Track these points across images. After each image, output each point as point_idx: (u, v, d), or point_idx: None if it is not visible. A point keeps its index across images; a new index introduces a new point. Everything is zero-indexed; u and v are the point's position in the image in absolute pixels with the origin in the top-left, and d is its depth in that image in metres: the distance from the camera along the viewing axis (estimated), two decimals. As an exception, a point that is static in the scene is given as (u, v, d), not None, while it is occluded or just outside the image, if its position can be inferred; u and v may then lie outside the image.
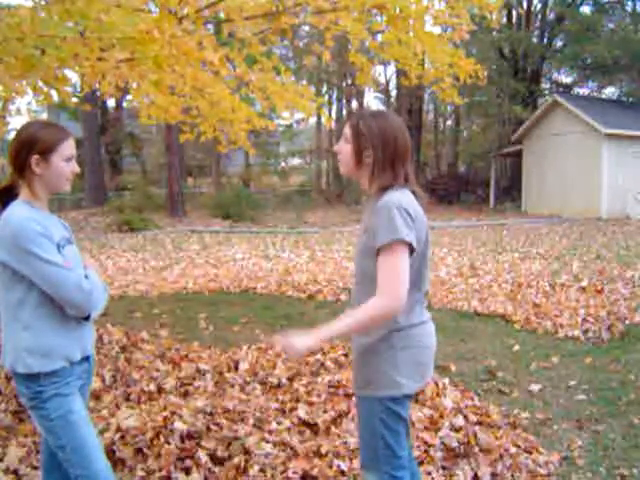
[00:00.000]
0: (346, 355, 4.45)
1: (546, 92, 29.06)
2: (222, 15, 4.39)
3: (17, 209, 1.98)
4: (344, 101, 33.14)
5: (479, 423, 3.35)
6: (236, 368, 4.27)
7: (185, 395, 3.79)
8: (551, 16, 28.37)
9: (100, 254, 12.49)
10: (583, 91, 31.29)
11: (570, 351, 5.05)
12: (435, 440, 3.02)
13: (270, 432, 3.14)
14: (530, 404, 3.90)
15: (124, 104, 27.38)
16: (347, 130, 2.04)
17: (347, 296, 7.23)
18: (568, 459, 3.14)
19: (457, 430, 3.16)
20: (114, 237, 16.98)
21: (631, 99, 27.08)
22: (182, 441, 3.01)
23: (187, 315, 6.61)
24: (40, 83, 3.80)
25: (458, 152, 32.27)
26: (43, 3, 3.63)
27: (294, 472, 2.78)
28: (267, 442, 3.01)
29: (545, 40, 28.36)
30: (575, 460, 3.12)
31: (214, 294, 7.86)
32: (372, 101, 39.31)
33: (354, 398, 3.35)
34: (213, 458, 2.92)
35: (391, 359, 1.97)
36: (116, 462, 2.87)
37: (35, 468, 2.85)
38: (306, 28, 21.83)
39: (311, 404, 3.53)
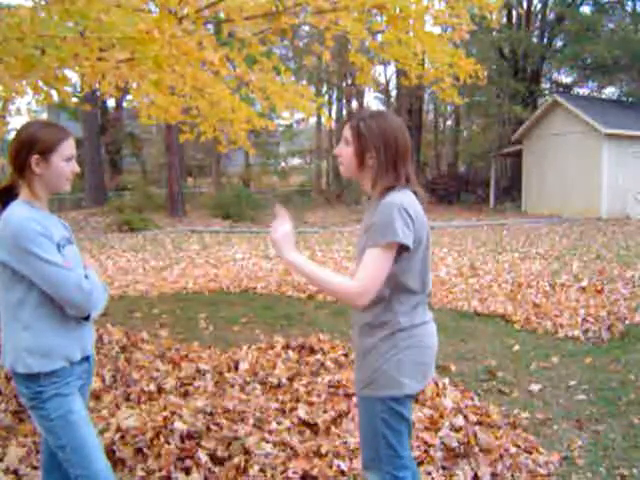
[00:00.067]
0: (346, 355, 4.45)
1: (546, 92, 29.06)
2: (222, 15, 4.39)
3: (17, 209, 1.98)
4: (344, 101, 33.14)
5: (479, 423, 3.35)
6: (236, 368, 4.27)
7: (185, 395, 3.79)
8: (551, 16, 28.37)
9: (100, 254, 12.49)
10: (583, 91, 31.30)
11: (570, 351, 5.05)
12: (435, 440, 3.02)
13: (270, 432, 3.14)
14: (530, 404, 3.90)
15: (124, 104, 27.36)
16: (347, 132, 2.03)
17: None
18: (568, 459, 3.14)
19: (457, 430, 3.16)
20: (114, 237, 16.98)
21: (631, 99, 27.08)
22: (182, 441, 3.01)
23: (187, 315, 6.61)
24: (40, 83, 3.80)
25: (458, 152, 32.26)
26: (43, 3, 3.62)
27: (294, 472, 2.78)
28: (267, 442, 3.01)
29: (545, 40, 28.35)
30: (575, 460, 3.12)
31: (214, 294, 7.86)
32: (372, 101, 39.35)
33: (354, 398, 3.36)
34: (213, 458, 2.92)
35: (393, 359, 1.97)
36: (116, 462, 2.87)
37: (35, 468, 2.85)
38: (306, 28, 21.84)
39: (311, 404, 3.53)
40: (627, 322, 5.78)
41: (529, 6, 27.70)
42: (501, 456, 3.00)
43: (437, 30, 26.38)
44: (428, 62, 5.46)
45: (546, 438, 3.39)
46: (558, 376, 4.43)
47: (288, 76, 5.26)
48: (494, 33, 23.87)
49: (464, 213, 22.97)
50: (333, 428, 3.21)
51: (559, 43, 29.73)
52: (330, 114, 28.93)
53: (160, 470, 2.82)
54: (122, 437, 3.05)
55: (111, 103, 30.11)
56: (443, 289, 7.54)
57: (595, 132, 20.27)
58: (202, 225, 19.86)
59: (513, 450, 3.08)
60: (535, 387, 4.19)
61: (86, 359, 2.15)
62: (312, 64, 24.73)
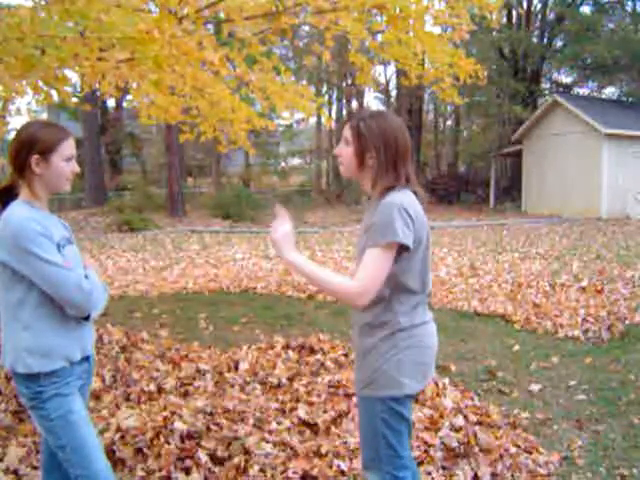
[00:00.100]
0: (346, 355, 4.45)
1: (546, 92, 29.06)
2: (222, 15, 4.39)
3: (17, 209, 1.98)
4: (344, 101, 33.14)
5: (479, 423, 3.35)
6: (236, 368, 4.27)
7: (185, 395, 3.79)
8: (551, 16, 28.37)
9: (100, 254, 12.49)
10: (583, 91, 31.29)
11: (570, 351, 5.05)
12: (435, 440, 3.02)
13: (270, 432, 3.14)
14: (530, 404, 3.90)
15: (124, 104, 27.36)
16: (347, 132, 2.03)
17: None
18: (568, 459, 3.14)
19: (457, 430, 3.16)
20: (114, 237, 16.98)
21: (631, 99, 27.08)
22: (182, 441, 3.01)
23: (187, 315, 6.61)
24: (40, 83, 3.80)
25: (458, 152, 32.26)
26: (43, 3, 3.62)
27: (294, 472, 2.78)
28: (267, 442, 3.01)
29: (545, 40, 28.35)
30: (575, 460, 3.12)
31: (214, 294, 7.86)
32: (372, 101, 39.35)
33: (354, 398, 3.36)
34: (213, 458, 2.92)
35: (393, 359, 1.97)
36: (116, 462, 2.87)
37: (35, 468, 2.85)
38: (306, 28, 21.84)
39: (311, 404, 3.53)
40: (627, 322, 5.78)
41: (529, 6, 27.70)
42: (501, 456, 3.00)
43: (437, 30, 26.39)
44: (428, 62, 5.46)
45: (546, 438, 3.39)
46: (558, 376, 4.43)
47: (288, 76, 5.26)
48: (494, 33, 23.87)
49: (464, 213, 22.97)
50: (333, 428, 3.21)
51: (559, 43, 29.73)
52: (330, 114, 28.93)
53: (160, 470, 2.82)
54: (122, 437, 3.05)
55: (111, 103, 30.16)
56: (443, 289, 7.54)
57: (595, 132, 20.27)
58: (202, 225, 19.86)
59: (513, 450, 3.08)
60: (535, 387, 4.20)
61: (86, 359, 2.15)
62: (312, 64, 24.73)
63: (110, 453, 2.87)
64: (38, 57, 3.14)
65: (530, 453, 3.12)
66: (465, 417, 3.34)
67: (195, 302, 7.31)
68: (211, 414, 3.31)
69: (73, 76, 5.73)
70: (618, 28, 26.39)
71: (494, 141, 26.47)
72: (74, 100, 5.53)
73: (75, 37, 3.14)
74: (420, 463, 2.84)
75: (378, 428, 2.00)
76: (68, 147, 2.05)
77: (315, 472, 2.78)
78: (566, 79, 32.29)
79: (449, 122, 37.19)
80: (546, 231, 15.92)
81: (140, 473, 2.82)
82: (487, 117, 28.00)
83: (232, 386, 3.92)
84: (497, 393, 4.12)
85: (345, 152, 2.04)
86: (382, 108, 21.92)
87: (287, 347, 4.72)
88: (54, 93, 3.92)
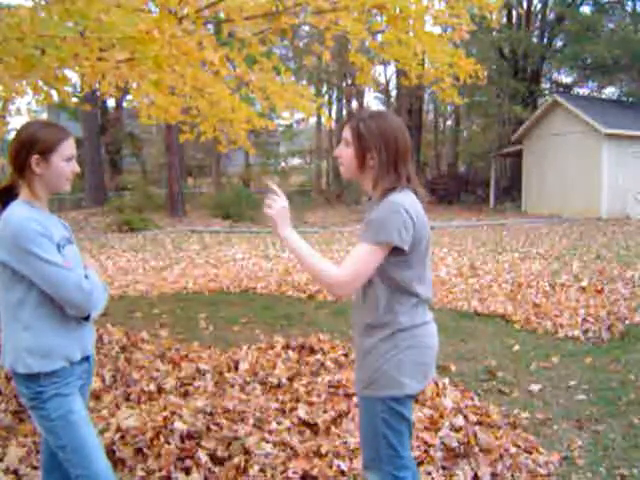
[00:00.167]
0: (346, 355, 4.45)
1: (546, 92, 29.06)
2: (222, 15, 4.39)
3: (17, 209, 1.98)
4: (344, 101, 33.15)
5: (479, 423, 3.35)
6: (236, 368, 4.27)
7: (185, 395, 3.79)
8: (551, 16, 28.37)
9: (100, 254, 12.49)
10: (583, 91, 31.29)
11: (570, 351, 5.05)
12: (435, 440, 3.02)
13: (270, 432, 3.14)
14: (530, 404, 3.90)
15: (124, 104, 27.35)
16: (347, 133, 2.03)
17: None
18: (568, 459, 3.14)
19: (457, 430, 3.16)
20: (114, 237, 16.98)
21: (631, 99, 27.08)
22: (182, 441, 3.01)
23: (187, 315, 6.61)
24: (40, 83, 3.80)
25: (458, 152, 32.27)
26: (43, 3, 3.63)
27: (294, 472, 2.78)
28: (267, 442, 3.01)
29: (545, 40, 28.36)
30: (575, 460, 3.12)
31: (214, 294, 7.86)
32: (372, 101, 39.35)
33: (354, 398, 3.36)
34: (213, 458, 2.92)
35: (394, 359, 1.97)
36: (116, 462, 2.87)
37: (35, 468, 2.85)
38: (306, 28, 21.85)
39: (311, 404, 3.53)
40: (627, 322, 5.78)
41: (529, 6, 27.70)
42: (501, 456, 3.00)
43: (437, 30, 26.41)
44: (428, 62, 5.46)
45: (546, 438, 3.38)
46: (558, 376, 4.43)
47: (288, 76, 5.26)
48: (494, 33, 23.87)
49: (464, 213, 22.98)
50: (333, 428, 3.21)
51: (559, 43, 29.73)
52: (330, 114, 28.94)
53: (160, 470, 2.82)
54: (122, 437, 3.05)
55: (111, 103, 30.16)
56: (443, 289, 7.54)
57: (595, 132, 20.27)
58: (202, 225, 19.86)
59: (513, 450, 3.08)
60: (535, 387, 4.19)
61: (86, 359, 2.15)
62: (312, 64, 24.72)
63: (110, 453, 2.87)
64: (38, 57, 3.14)
65: (530, 453, 3.12)
66: (465, 417, 3.34)
67: (195, 302, 7.31)
68: (211, 414, 3.31)
69: (73, 76, 5.74)
70: (618, 28, 26.39)
71: (494, 141, 26.47)
72: (74, 100, 5.53)
73: (75, 37, 3.14)
74: (420, 463, 2.84)
75: (379, 428, 2.00)
76: (68, 147, 2.05)
77: (315, 472, 2.78)
78: (566, 79, 32.34)
79: (449, 122, 37.21)
80: (546, 231, 15.92)
81: (140, 473, 2.82)
82: (487, 117, 28.01)
83: (232, 386, 3.92)
84: (497, 393, 4.12)
85: (345, 153, 2.04)
86: (382, 108, 21.92)
87: (287, 347, 4.72)
88: (54, 93, 3.92)
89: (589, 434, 3.43)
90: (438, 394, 3.62)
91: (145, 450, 2.96)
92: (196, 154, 33.55)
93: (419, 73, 5.10)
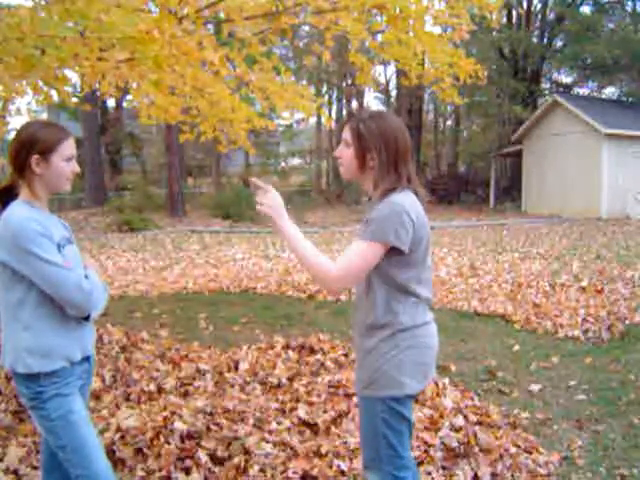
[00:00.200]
0: (346, 355, 4.45)
1: (546, 92, 29.06)
2: (222, 15, 4.39)
3: (17, 209, 1.98)
4: (344, 101, 33.14)
5: (479, 423, 3.35)
6: (236, 368, 4.27)
7: (185, 395, 3.79)
8: (551, 16, 28.38)
9: (100, 254, 12.49)
10: (583, 91, 31.30)
11: (570, 351, 5.05)
12: (435, 440, 3.02)
13: (270, 432, 3.14)
14: (530, 404, 3.90)
15: (124, 104, 27.34)
16: (347, 134, 2.02)
17: (347, 296, 7.23)
18: (568, 459, 3.14)
19: (457, 430, 3.16)
20: (114, 237, 16.98)
21: (631, 99, 27.08)
22: (182, 441, 3.01)
23: (187, 315, 6.61)
24: (40, 83, 3.80)
25: (458, 152, 32.27)
26: (43, 3, 3.62)
27: (294, 472, 2.78)
28: (267, 442, 3.01)
29: (545, 40, 28.36)
30: (575, 460, 3.12)
31: (214, 294, 7.86)
32: (372, 101, 39.34)
33: (354, 398, 3.36)
34: (213, 458, 2.92)
35: (394, 359, 1.97)
36: (116, 462, 2.87)
37: (35, 468, 2.85)
38: (306, 28, 21.86)
39: (311, 404, 3.53)
40: (627, 322, 5.78)
41: (529, 6, 27.70)
42: (501, 456, 3.00)
43: (437, 30, 26.40)
44: (428, 62, 5.46)
45: (546, 438, 3.38)
46: (558, 376, 4.43)
47: (288, 76, 5.26)
48: (494, 33, 23.87)
49: (464, 213, 22.97)
50: (333, 428, 3.21)
51: (559, 43, 29.74)
52: (330, 114, 28.93)
53: (160, 470, 2.82)
54: (122, 437, 3.05)
55: (111, 103, 30.14)
56: (443, 289, 7.54)
57: (595, 132, 20.27)
58: (202, 225, 19.87)
59: (513, 450, 3.08)
60: (535, 387, 4.19)
61: (86, 359, 2.15)
62: (312, 64, 24.71)
63: (110, 453, 2.87)
64: (38, 57, 3.14)
65: (530, 453, 3.12)
66: (465, 417, 3.34)
67: (195, 302, 7.31)
68: (211, 414, 3.31)
69: (73, 76, 5.74)
70: (618, 28, 26.39)
71: (494, 141, 26.47)
72: (74, 100, 5.53)
73: (75, 37, 3.14)
74: (420, 463, 2.84)
75: (379, 428, 2.00)
76: (68, 147, 2.05)
77: (315, 472, 2.78)
78: (566, 79, 32.34)
79: (449, 122, 37.20)
80: (546, 231, 15.92)
81: (140, 473, 2.82)
82: (487, 117, 28.01)
83: (232, 386, 3.92)
84: (497, 393, 4.12)
85: (345, 154, 2.04)
86: (381, 108, 21.93)
87: (287, 347, 4.72)
88: (54, 93, 3.92)
89: (589, 434, 3.43)
90: (438, 394, 3.62)
91: (145, 450, 2.96)
92: (196, 154, 33.55)
93: (419, 73, 5.10)
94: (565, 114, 21.60)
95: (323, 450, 2.95)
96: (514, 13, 28.12)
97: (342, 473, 2.80)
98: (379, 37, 5.24)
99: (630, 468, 3.03)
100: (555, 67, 30.62)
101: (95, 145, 25.60)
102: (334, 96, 33.55)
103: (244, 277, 8.87)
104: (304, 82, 24.92)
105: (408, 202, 1.93)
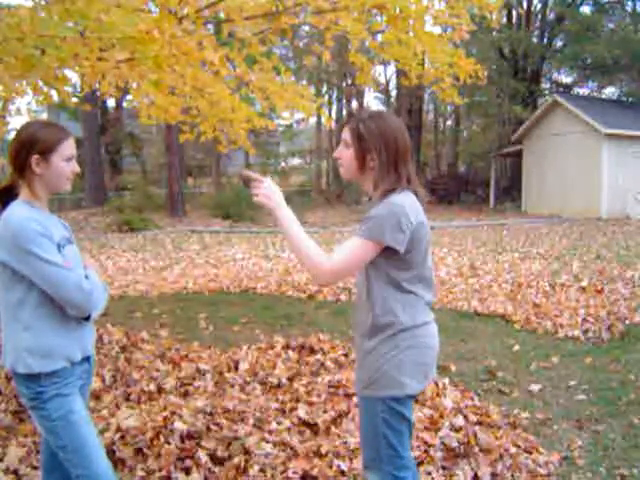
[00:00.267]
0: (346, 355, 4.45)
1: (546, 92, 29.06)
2: (222, 15, 4.39)
3: (17, 209, 1.98)
4: (344, 101, 33.15)
5: (479, 423, 3.35)
6: (236, 368, 4.27)
7: (185, 395, 3.79)
8: (551, 16, 28.38)
9: (100, 254, 12.49)
10: (583, 91, 31.30)
11: (570, 351, 5.05)
12: (435, 440, 3.02)
13: (270, 432, 3.14)
14: (530, 404, 3.90)
15: (124, 104, 27.35)
16: (347, 134, 2.02)
17: (347, 296, 7.23)
18: (568, 459, 3.14)
19: (457, 430, 3.16)
20: (114, 237, 16.98)
21: (631, 99, 27.08)
22: (182, 441, 3.01)
23: (187, 315, 6.61)
24: (40, 83, 3.80)
25: (458, 152, 32.27)
26: (43, 3, 3.62)
27: (294, 472, 2.78)
28: (267, 442, 3.01)
29: (545, 40, 28.36)
30: (575, 460, 3.12)
31: (214, 294, 7.86)
32: (372, 101, 39.35)
33: (354, 398, 3.36)
34: (213, 458, 2.92)
35: (394, 359, 1.97)
36: (116, 462, 2.87)
37: (35, 468, 2.85)
38: (306, 28, 21.84)
39: (311, 404, 3.53)
40: (627, 322, 5.78)
41: (529, 6, 27.70)
42: (501, 456, 3.00)
43: (437, 30, 26.39)
44: (428, 62, 5.46)
45: (546, 438, 3.38)
46: (558, 376, 4.43)
47: (288, 76, 5.26)
48: (494, 33, 23.87)
49: (464, 213, 22.98)
50: (333, 428, 3.21)
51: (559, 43, 29.74)
52: (330, 114, 28.94)
53: (160, 470, 2.82)
54: (122, 437, 3.05)
55: (111, 103, 30.16)
56: (443, 289, 7.54)
57: (595, 132, 20.28)
58: (202, 225, 19.87)
59: (513, 450, 3.08)
60: (535, 387, 4.19)
61: (86, 359, 2.15)
62: (312, 64, 24.72)
63: (110, 453, 2.87)
64: (38, 57, 3.14)
65: (530, 453, 3.12)
66: (465, 417, 3.34)
67: (195, 302, 7.31)
68: (211, 414, 3.31)
69: (73, 76, 5.73)
70: (618, 28, 26.40)
71: (494, 141, 26.48)
72: (74, 100, 5.53)
73: (75, 37, 3.14)
74: (420, 463, 2.84)
75: (379, 428, 2.00)
76: (68, 147, 2.05)
77: (315, 472, 2.78)
78: (566, 79, 32.35)
79: (449, 122, 37.21)
80: (546, 231, 15.93)
81: (140, 473, 2.82)
82: (487, 117, 28.02)
83: (232, 386, 3.92)
84: (497, 393, 4.12)
85: (345, 155, 2.04)
86: (381, 108, 21.93)
87: (287, 347, 4.72)
88: (54, 93, 3.93)
89: (589, 434, 3.43)
90: (438, 394, 3.62)
91: (145, 450, 2.96)
92: (196, 154, 33.56)
93: (419, 73, 5.10)
94: (565, 114, 21.60)
95: (323, 450, 2.95)
96: (514, 13, 28.13)
97: (342, 473, 2.80)
98: (379, 37, 5.24)
99: (630, 468, 3.03)
100: (555, 67, 30.63)
101: (95, 145, 25.61)
102: (334, 96, 33.56)
103: (244, 277, 8.87)
104: (304, 82, 24.93)
105: (408, 203, 1.93)
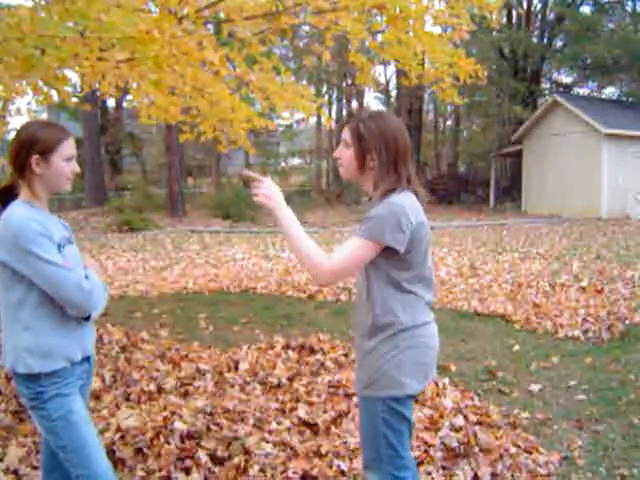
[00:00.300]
0: (346, 355, 4.45)
1: (546, 92, 29.07)
2: (222, 15, 4.39)
3: (17, 209, 1.98)
4: (344, 101, 33.15)
5: (479, 423, 3.35)
6: (236, 368, 4.27)
7: (185, 395, 3.79)
8: (551, 16, 28.38)
9: (100, 254, 12.49)
10: (583, 91, 31.30)
11: (570, 351, 5.05)
12: (435, 440, 3.02)
13: (270, 432, 3.14)
14: (530, 404, 3.90)
15: (124, 104, 27.35)
16: (347, 135, 2.02)
17: (347, 296, 7.23)
18: (568, 459, 3.14)
19: (457, 430, 3.16)
20: (114, 237, 16.98)
21: (631, 99, 27.08)
22: (182, 441, 3.01)
23: (187, 315, 6.61)
24: (40, 83, 3.80)
25: (458, 152, 32.28)
26: (43, 3, 3.62)
27: (294, 472, 2.78)
28: (267, 442, 3.01)
29: (545, 40, 28.36)
30: (575, 460, 3.12)
31: (214, 294, 7.86)
32: (372, 101, 39.35)
33: (354, 398, 3.36)
34: (213, 458, 2.92)
35: (394, 359, 1.97)
36: (116, 462, 2.87)
37: (35, 468, 2.85)
38: (306, 28, 21.84)
39: (311, 404, 3.53)
40: (627, 322, 5.78)
41: (529, 6, 27.71)
42: (501, 456, 3.00)
43: (437, 30, 26.40)
44: (428, 62, 5.46)
45: (546, 438, 3.38)
46: (558, 376, 4.43)
47: (288, 76, 5.26)
48: (494, 33, 23.88)
49: (464, 213, 22.98)
50: (333, 428, 3.21)
51: (559, 43, 29.74)
52: (330, 114, 28.94)
53: (160, 470, 2.82)
54: (122, 437, 3.05)
55: (111, 103, 30.16)
56: (443, 289, 7.54)
57: (595, 132, 20.28)
58: (202, 225, 19.87)
59: (513, 450, 3.08)
60: (535, 387, 4.19)
61: (86, 359, 2.15)
62: (312, 64, 24.72)
63: (110, 453, 2.87)
64: (38, 57, 3.14)
65: (530, 453, 3.12)
66: (465, 417, 3.34)
67: (195, 302, 7.31)
68: (211, 414, 3.31)
69: (73, 76, 5.73)
70: (618, 28, 26.40)
71: (494, 141, 26.48)
72: (74, 100, 5.53)
73: (75, 37, 3.14)
74: (420, 463, 2.84)
75: (379, 428, 2.00)
76: (68, 147, 2.05)
77: (315, 472, 2.78)
78: (566, 79, 32.35)
79: (449, 122, 37.21)
80: (546, 231, 15.93)
81: (140, 473, 2.82)
82: (487, 117, 28.02)
83: (232, 386, 3.92)
84: (497, 393, 4.12)
85: (345, 155, 2.04)
86: (381, 108, 21.94)
87: (287, 347, 4.72)
88: (54, 93, 3.93)
89: (589, 434, 3.43)
90: (438, 394, 3.62)
91: (145, 450, 2.96)
92: (196, 154, 33.55)
93: (419, 73, 5.10)
94: (565, 114, 21.60)
95: (323, 450, 2.95)
96: (514, 13, 28.13)
97: (342, 473, 2.80)
98: (379, 37, 5.24)
99: (630, 468, 3.03)
100: (555, 67, 30.63)
101: (95, 145, 25.61)
102: (334, 96, 33.57)
103: (244, 277, 8.87)
104: (304, 82, 24.94)
105: (408, 203, 1.93)
